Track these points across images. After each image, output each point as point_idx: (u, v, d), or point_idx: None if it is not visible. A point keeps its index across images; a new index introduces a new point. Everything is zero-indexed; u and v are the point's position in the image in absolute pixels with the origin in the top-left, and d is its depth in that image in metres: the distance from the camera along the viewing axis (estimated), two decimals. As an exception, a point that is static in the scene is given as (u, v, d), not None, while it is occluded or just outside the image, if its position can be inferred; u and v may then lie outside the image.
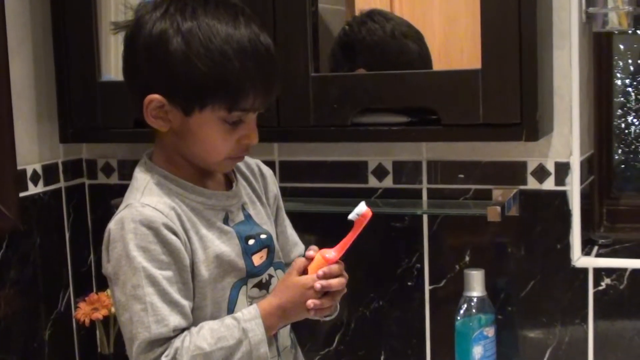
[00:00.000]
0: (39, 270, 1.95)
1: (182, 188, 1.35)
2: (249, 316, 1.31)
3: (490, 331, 1.75)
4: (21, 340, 1.90)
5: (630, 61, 2.03)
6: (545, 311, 1.80)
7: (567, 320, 1.80)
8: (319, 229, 1.91)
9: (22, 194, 1.88)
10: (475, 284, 1.74)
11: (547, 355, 1.81)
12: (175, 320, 1.27)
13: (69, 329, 2.05)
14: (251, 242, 1.40)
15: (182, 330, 1.28)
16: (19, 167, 1.85)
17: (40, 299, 1.96)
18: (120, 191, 2.04)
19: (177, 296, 1.28)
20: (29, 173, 1.93)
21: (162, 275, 1.27)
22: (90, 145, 2.10)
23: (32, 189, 1.94)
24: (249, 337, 1.29)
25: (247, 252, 1.38)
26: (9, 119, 1.81)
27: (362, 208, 1.33)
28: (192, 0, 1.31)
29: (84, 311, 1.92)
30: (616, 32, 1.92)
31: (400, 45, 1.81)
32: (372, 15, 1.80)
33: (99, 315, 1.91)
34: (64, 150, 2.04)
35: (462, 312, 1.75)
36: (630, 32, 1.95)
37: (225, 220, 1.38)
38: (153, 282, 1.26)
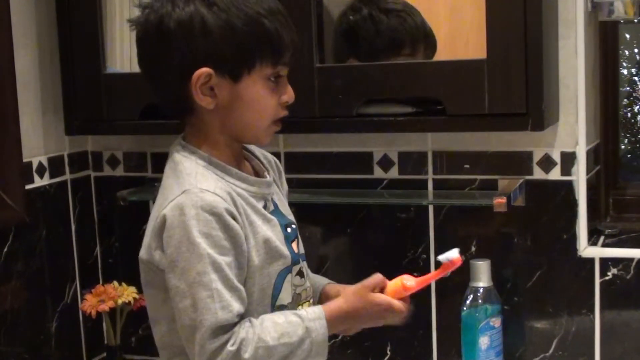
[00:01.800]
0: (45, 263, 1.96)
1: (227, 173, 1.36)
2: (313, 315, 1.32)
3: (496, 321, 1.74)
4: (28, 333, 1.91)
5: (636, 50, 2.02)
6: (552, 301, 1.80)
7: (573, 310, 1.79)
8: (325, 220, 1.91)
9: (28, 187, 1.88)
10: (482, 275, 1.74)
11: (553, 346, 1.81)
12: (237, 306, 1.28)
13: (76, 321, 2.06)
14: (289, 230, 1.43)
15: (241, 315, 1.29)
16: (24, 160, 1.86)
17: (47, 291, 1.97)
18: (125, 183, 2.07)
19: (236, 282, 1.29)
20: (34, 165, 1.93)
21: (225, 261, 1.28)
22: (96, 137, 2.10)
23: (38, 182, 1.94)
24: (312, 336, 1.30)
25: (288, 240, 1.40)
26: (14, 111, 1.81)
27: (454, 254, 1.36)
28: None
29: (90, 303, 1.93)
30: (622, 21, 1.91)
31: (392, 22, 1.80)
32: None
33: (105, 307, 1.91)
34: (69, 143, 2.05)
35: (468, 302, 1.74)
36: (636, 21, 1.94)
37: (265, 208, 1.40)
38: (217, 268, 1.27)
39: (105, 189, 2.10)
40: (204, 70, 1.31)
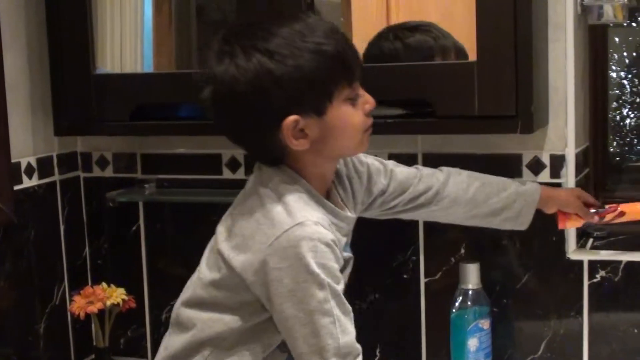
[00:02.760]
0: (34, 264, 1.95)
1: (322, 207, 1.38)
2: None
3: (485, 323, 1.75)
4: (16, 334, 1.90)
5: (625, 54, 2.03)
6: (541, 303, 1.81)
7: (562, 312, 1.80)
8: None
9: (16, 187, 1.87)
10: (471, 277, 1.74)
11: (542, 347, 1.81)
12: (352, 328, 1.34)
13: (64, 323, 2.05)
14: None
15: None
16: (13, 160, 1.85)
17: (35, 292, 1.96)
18: (115, 184, 2.06)
19: (348, 306, 1.34)
20: (23, 166, 1.92)
21: (339, 289, 1.32)
22: (85, 138, 2.09)
23: (27, 182, 1.93)
24: None
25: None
26: (3, 111, 1.80)
27: None
28: (247, 28, 1.34)
29: (79, 304, 1.92)
30: (611, 24, 1.92)
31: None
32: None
33: (94, 308, 1.91)
34: (58, 143, 2.04)
35: (457, 304, 1.75)
36: (625, 24, 1.94)
37: (345, 246, 1.44)
38: (335, 295, 1.31)
39: (94, 190, 2.10)
40: (291, 119, 1.32)
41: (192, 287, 1.43)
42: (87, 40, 1.87)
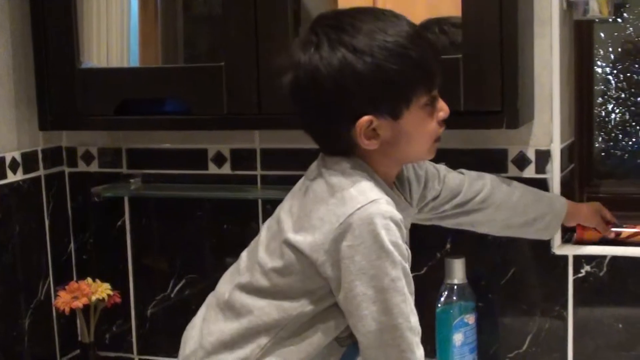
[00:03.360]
0: (19, 259, 1.94)
1: (387, 194, 1.36)
2: None
3: (470, 318, 1.75)
4: (1, 329, 1.89)
5: (610, 49, 2.03)
6: (526, 298, 1.81)
7: (547, 307, 1.81)
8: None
9: (0, 182, 1.87)
10: (456, 272, 1.75)
11: (527, 342, 1.82)
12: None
13: (49, 318, 2.04)
14: None
15: None
16: (-3, 155, 1.84)
17: (20, 287, 1.95)
18: (100, 179, 2.06)
19: (413, 287, 1.35)
20: (7, 161, 1.91)
21: (408, 268, 1.33)
22: (70, 132, 2.08)
23: (12, 177, 1.92)
24: None
25: None
26: (-13, 106, 1.80)
27: None
28: (335, 17, 1.35)
29: (64, 300, 1.91)
30: (597, 20, 1.92)
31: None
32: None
33: (79, 303, 1.90)
34: (43, 138, 2.03)
35: (442, 299, 1.75)
36: (610, 20, 1.95)
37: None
38: (406, 274, 1.32)
39: (79, 185, 2.09)
40: (366, 119, 1.32)
41: (248, 273, 1.41)
42: (71, 34, 1.86)
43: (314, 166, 1.42)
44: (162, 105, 1.90)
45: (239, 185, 1.96)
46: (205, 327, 1.43)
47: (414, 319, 1.32)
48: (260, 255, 1.39)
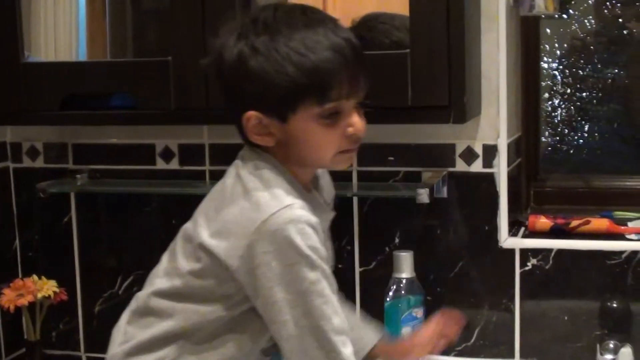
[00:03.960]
0: (-38, 256, 1.91)
1: (302, 196, 1.34)
2: None
3: (419, 312, 1.76)
4: (-56, 328, 1.86)
5: (556, 45, 2.06)
6: (473, 292, 1.83)
7: (494, 300, 1.82)
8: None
9: (-57, 178, 1.84)
10: (404, 266, 1.75)
11: (475, 335, 1.83)
12: (339, 306, 1.32)
13: (-6, 316, 2.02)
14: None
15: None
16: (-61, 151, 1.81)
17: (-36, 285, 1.92)
18: (46, 175, 2.03)
19: (336, 287, 1.33)
20: (-50, 156, 1.88)
21: (329, 271, 1.31)
22: (15, 128, 2.05)
23: (-46, 173, 1.90)
24: None
25: None
26: None
27: None
28: (262, 14, 1.33)
29: (8, 297, 1.89)
30: (543, 16, 1.94)
31: None
32: (376, 18, 1.78)
33: (24, 301, 1.88)
34: (-14, 133, 2.00)
35: (391, 293, 1.76)
36: (556, 16, 1.97)
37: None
38: (326, 276, 1.30)
39: (24, 181, 2.06)
40: (251, 113, 1.32)
41: (165, 277, 1.39)
42: (15, 29, 1.83)
43: (232, 166, 1.41)
44: (109, 100, 1.88)
45: (187, 180, 1.95)
46: (128, 329, 1.43)
47: (337, 320, 1.30)
48: (178, 259, 1.38)
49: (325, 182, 1.52)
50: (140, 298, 1.43)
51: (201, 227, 1.35)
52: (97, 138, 2.00)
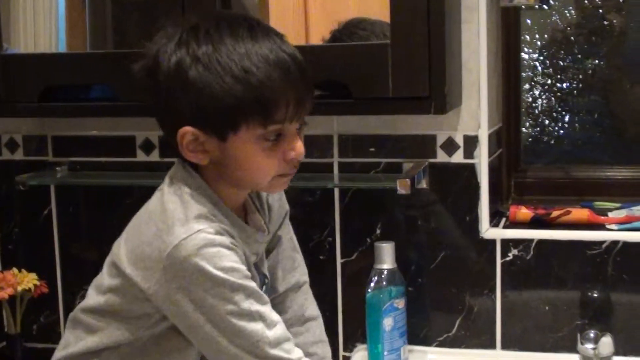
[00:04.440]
0: (-59, 249, 1.90)
1: (227, 218, 1.31)
2: None
3: (400, 303, 1.76)
4: None
5: (537, 36, 2.06)
6: (455, 282, 1.83)
7: (475, 290, 1.83)
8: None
9: None
10: (386, 257, 1.75)
11: (456, 326, 1.84)
12: (276, 316, 1.30)
13: (-26, 309, 2.00)
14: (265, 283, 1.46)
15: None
16: None
17: (-57, 278, 1.91)
18: (25, 167, 2.01)
19: (265, 297, 1.30)
20: None
21: (253, 285, 1.28)
22: (-6, 120, 2.04)
23: None
24: None
25: None
26: None
27: None
28: (204, 22, 1.27)
29: (-12, 290, 1.88)
30: (523, 7, 1.94)
31: None
32: (357, 25, 1.77)
33: (4, 294, 1.86)
34: (-35, 126, 1.99)
35: (372, 284, 1.76)
36: (537, 7, 1.97)
37: (250, 266, 1.37)
38: (251, 293, 1.27)
39: (4, 174, 2.04)
40: (187, 129, 1.26)
41: (94, 291, 1.37)
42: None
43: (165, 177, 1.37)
44: (89, 92, 1.87)
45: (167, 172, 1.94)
46: (67, 335, 1.41)
47: (272, 332, 1.27)
48: (103, 272, 1.36)
49: (275, 198, 1.48)
50: (76, 308, 1.41)
51: (120, 244, 1.32)
52: (77, 130, 1.99)
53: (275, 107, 1.24)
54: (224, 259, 1.25)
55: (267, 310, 1.29)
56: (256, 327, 1.26)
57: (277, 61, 1.25)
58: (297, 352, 1.31)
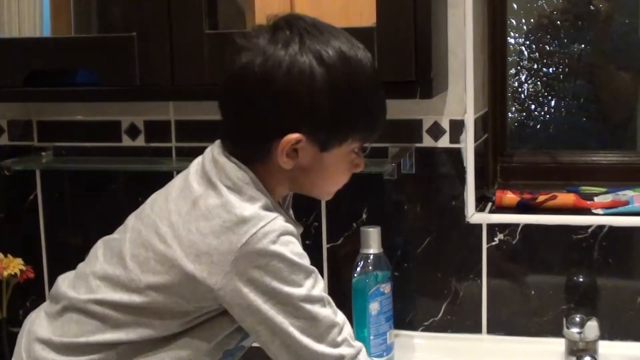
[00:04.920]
0: None
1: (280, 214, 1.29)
2: None
3: (386, 288, 1.76)
4: None
5: (523, 20, 2.06)
6: (441, 267, 1.83)
7: (461, 275, 1.83)
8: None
9: None
10: (372, 242, 1.75)
11: (442, 310, 1.84)
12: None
13: (-41, 295, 1.99)
14: None
15: None
16: None
17: None
18: (10, 152, 2.00)
19: None
20: None
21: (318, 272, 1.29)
22: (-22, 105, 2.03)
23: None
24: None
25: None
26: None
27: None
28: (323, 28, 1.27)
29: (-26, 276, 1.87)
30: (510, -9, 1.95)
31: None
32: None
33: (-10, 279, 1.86)
34: (-51, 111, 1.97)
35: (358, 269, 1.76)
36: (523, -9, 1.98)
37: None
38: (319, 280, 1.27)
39: (-12, 159, 2.03)
40: (295, 136, 1.24)
41: (119, 289, 1.28)
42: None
43: (201, 165, 1.32)
44: (74, 77, 1.86)
45: (153, 157, 1.93)
46: (55, 324, 1.34)
47: (339, 318, 1.28)
48: (130, 267, 1.28)
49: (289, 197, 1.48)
50: (70, 299, 1.34)
51: (170, 241, 1.25)
52: (62, 115, 1.98)
53: (377, 127, 1.31)
54: (297, 246, 1.26)
55: (329, 298, 1.30)
56: (327, 312, 1.26)
57: (376, 77, 1.31)
58: (358, 342, 1.31)
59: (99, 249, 1.38)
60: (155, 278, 1.25)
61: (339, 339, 1.27)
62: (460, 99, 1.79)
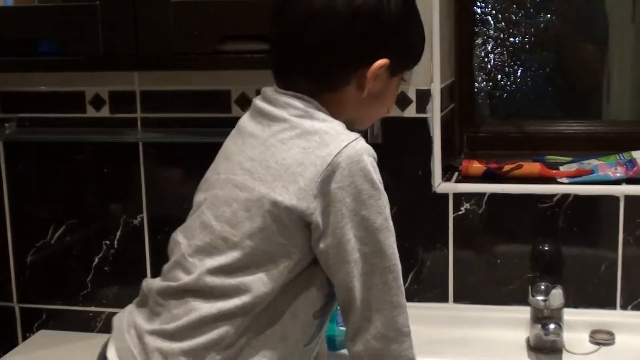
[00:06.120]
0: None
1: None
2: None
3: (354, 257, 1.77)
4: None
5: (490, -10, 2.06)
6: (408, 236, 1.83)
7: (428, 244, 1.84)
8: (181, 159, 1.88)
9: None
10: (339, 211, 1.75)
11: (409, 279, 1.85)
12: None
13: None
14: None
15: None
16: None
17: None
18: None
19: None
20: None
21: None
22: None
23: None
24: None
25: None
26: None
27: None
28: None
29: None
30: (476, -40, 1.94)
31: None
32: None
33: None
34: None
35: (326, 239, 1.76)
36: (490, -40, 1.97)
37: None
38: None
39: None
40: (385, 61, 1.26)
41: (215, 253, 1.25)
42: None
43: (254, 115, 1.30)
44: (37, 46, 1.84)
45: (118, 128, 1.91)
46: (177, 309, 1.27)
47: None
48: (217, 229, 1.25)
49: None
50: (170, 286, 1.28)
51: (251, 184, 1.23)
52: (25, 85, 1.95)
53: (422, 52, 1.37)
54: (378, 170, 1.25)
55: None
56: (395, 250, 1.26)
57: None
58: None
59: (178, 236, 1.32)
60: (247, 226, 1.23)
61: (401, 281, 1.29)
62: (427, 68, 1.78)
